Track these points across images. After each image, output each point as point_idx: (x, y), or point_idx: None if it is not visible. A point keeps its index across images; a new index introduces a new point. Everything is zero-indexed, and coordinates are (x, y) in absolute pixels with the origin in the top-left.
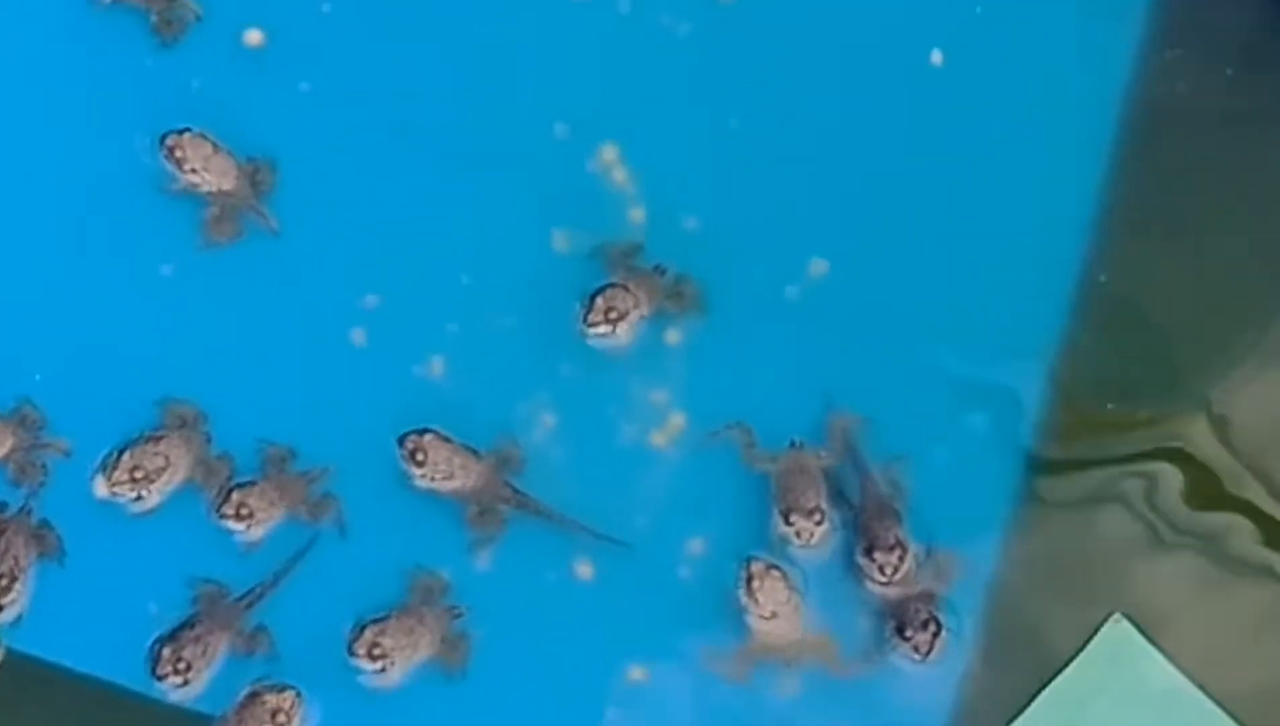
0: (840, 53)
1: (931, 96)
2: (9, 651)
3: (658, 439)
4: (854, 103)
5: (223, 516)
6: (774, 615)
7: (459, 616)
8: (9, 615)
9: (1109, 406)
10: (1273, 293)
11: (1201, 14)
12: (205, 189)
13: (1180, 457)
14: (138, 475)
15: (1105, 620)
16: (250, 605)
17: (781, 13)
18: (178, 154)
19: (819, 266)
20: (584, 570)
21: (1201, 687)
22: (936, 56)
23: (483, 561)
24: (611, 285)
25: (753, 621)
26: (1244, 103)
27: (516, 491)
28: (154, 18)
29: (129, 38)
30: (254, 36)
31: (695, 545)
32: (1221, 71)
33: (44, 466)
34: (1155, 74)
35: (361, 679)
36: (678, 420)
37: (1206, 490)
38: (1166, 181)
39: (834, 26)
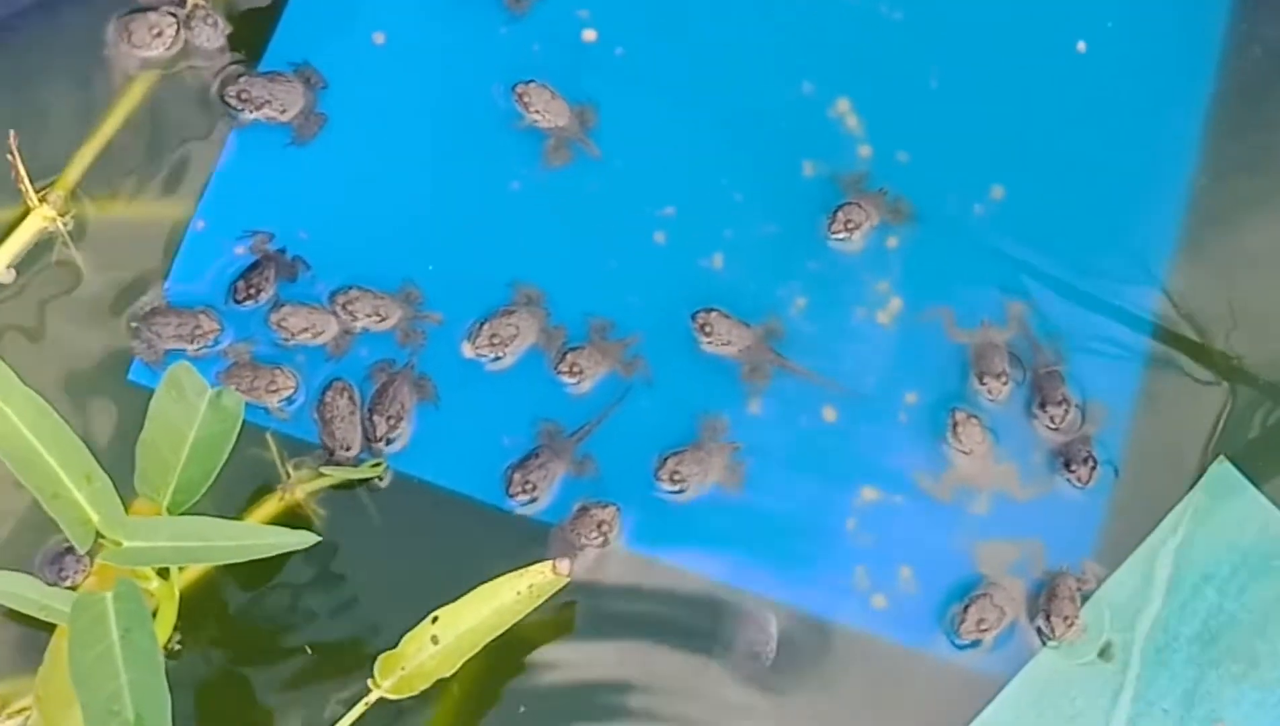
0: (1008, 36)
1: (1076, 70)
2: (395, 473)
3: (882, 317)
4: (1020, 71)
5: (559, 372)
6: (971, 451)
7: (737, 449)
8: (397, 445)
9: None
10: None
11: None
12: (545, 125)
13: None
14: (495, 341)
15: (1212, 462)
16: (580, 439)
17: (965, 8)
18: (525, 99)
19: (998, 191)
20: (829, 414)
21: None
22: (1081, 45)
23: (754, 407)
24: (849, 203)
25: (955, 456)
26: None
27: (779, 354)
28: None
29: (491, 12)
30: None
31: (910, 397)
32: None
33: (423, 333)
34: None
35: (663, 497)
36: (896, 303)
37: None
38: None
39: (1002, 17)
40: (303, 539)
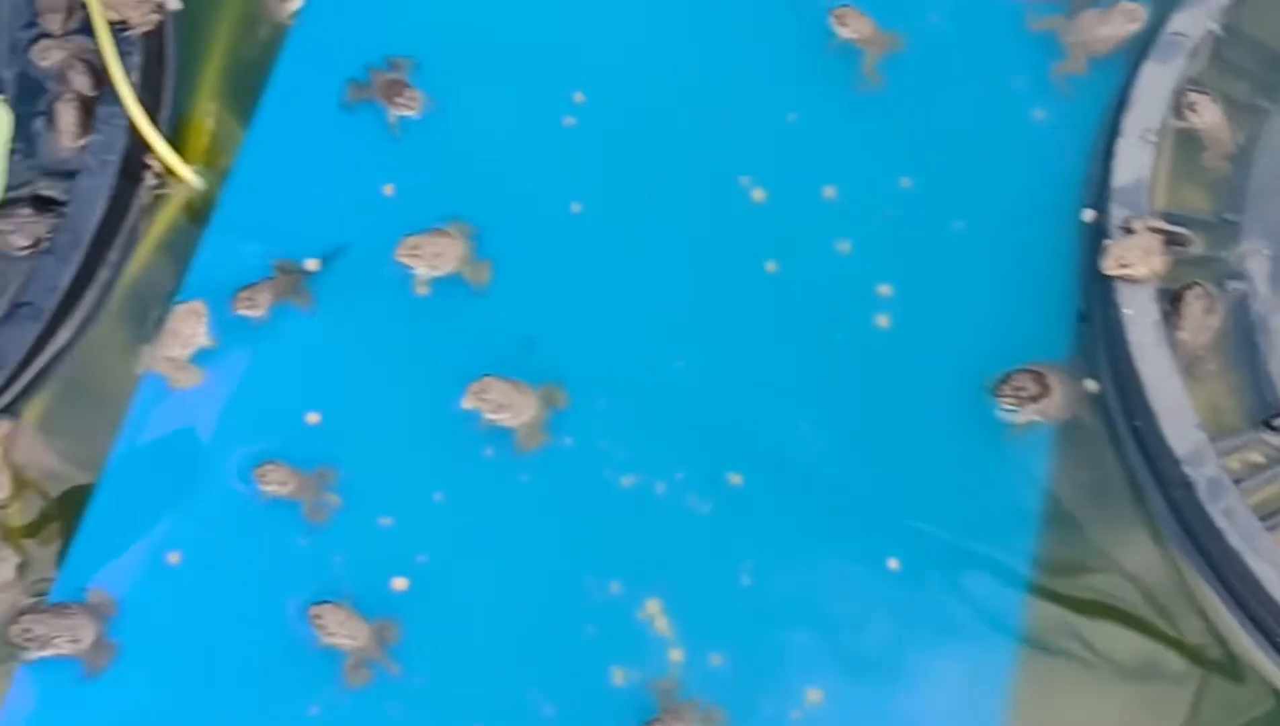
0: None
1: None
2: None
3: None
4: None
5: None
6: None
7: None
8: None
9: None
10: None
11: None
12: (344, 645)
13: None
14: None
15: None
16: None
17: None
18: (319, 621)
19: (814, 694)
20: None
21: None
22: None
23: None
24: (654, 721)
25: None
26: None
27: None
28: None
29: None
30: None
31: None
32: None
33: None
34: None
35: None
36: None
37: None
38: None
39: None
40: None
